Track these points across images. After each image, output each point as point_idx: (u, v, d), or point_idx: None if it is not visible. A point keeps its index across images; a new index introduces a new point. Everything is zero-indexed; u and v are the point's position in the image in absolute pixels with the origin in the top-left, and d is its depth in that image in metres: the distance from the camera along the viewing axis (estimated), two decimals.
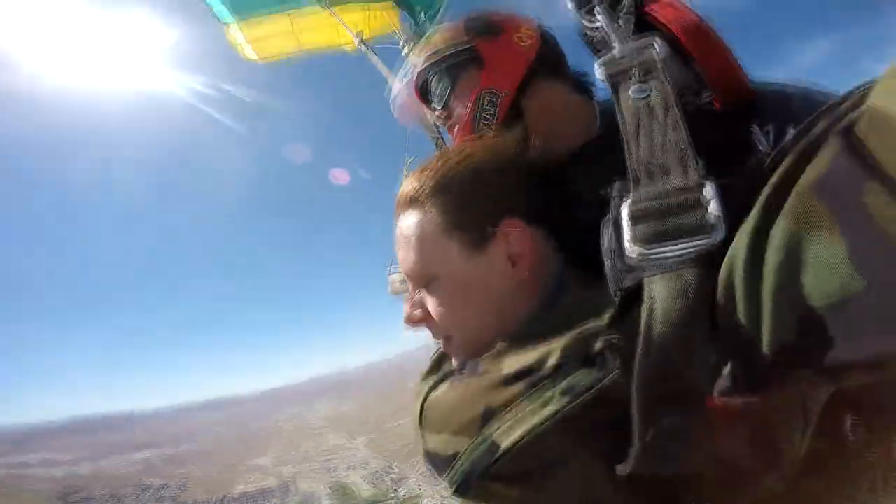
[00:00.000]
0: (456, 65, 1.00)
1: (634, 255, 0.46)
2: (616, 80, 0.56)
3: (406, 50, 2.28)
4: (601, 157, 0.60)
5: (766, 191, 0.39)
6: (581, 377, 0.50)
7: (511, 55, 0.97)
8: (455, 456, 0.57)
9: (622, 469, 0.47)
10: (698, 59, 0.61)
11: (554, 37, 1.05)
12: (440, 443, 0.60)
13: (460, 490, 0.57)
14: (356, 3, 2.71)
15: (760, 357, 0.39)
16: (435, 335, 0.75)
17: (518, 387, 0.54)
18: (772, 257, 0.37)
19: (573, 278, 0.67)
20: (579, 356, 0.52)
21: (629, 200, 0.49)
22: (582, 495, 0.52)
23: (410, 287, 0.75)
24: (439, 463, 0.61)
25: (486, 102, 0.95)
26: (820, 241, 0.34)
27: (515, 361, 0.57)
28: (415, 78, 1.06)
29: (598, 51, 0.63)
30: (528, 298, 0.67)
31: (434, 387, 0.68)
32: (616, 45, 0.58)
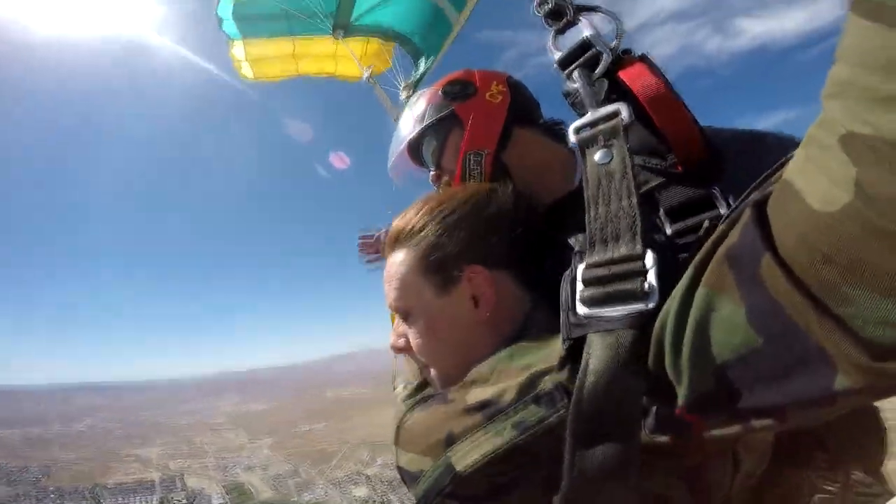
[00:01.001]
0: (440, 129, 1.10)
1: (582, 314, 0.53)
2: (584, 143, 0.60)
3: (403, 95, 2.45)
4: (575, 209, 0.62)
5: (699, 255, 0.44)
6: (531, 413, 0.56)
7: (486, 115, 1.07)
8: (420, 473, 0.63)
9: (555, 501, 0.53)
10: (660, 125, 0.65)
11: (524, 87, 1.15)
12: (409, 461, 0.66)
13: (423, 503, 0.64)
14: (362, 36, 2.84)
15: (683, 400, 0.44)
16: (416, 363, 0.83)
17: (477, 417, 0.60)
18: (692, 315, 0.42)
19: (541, 319, 0.71)
20: (531, 393, 0.57)
21: (583, 264, 0.55)
22: None
23: (396, 318, 0.83)
24: (408, 478, 0.67)
25: (472, 163, 1.04)
26: (727, 304, 0.39)
27: (478, 394, 0.63)
28: (405, 147, 1.18)
29: (576, 107, 0.69)
30: (494, 336, 0.72)
31: (411, 408, 0.72)
32: (588, 109, 0.63)
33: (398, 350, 0.83)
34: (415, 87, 2.73)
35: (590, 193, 0.57)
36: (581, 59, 0.69)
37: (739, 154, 0.72)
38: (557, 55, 0.72)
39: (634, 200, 0.53)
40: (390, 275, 0.81)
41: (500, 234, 0.78)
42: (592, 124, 0.60)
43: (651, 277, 0.49)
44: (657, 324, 0.46)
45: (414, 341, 0.78)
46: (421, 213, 0.81)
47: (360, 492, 66.89)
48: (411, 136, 1.15)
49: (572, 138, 0.62)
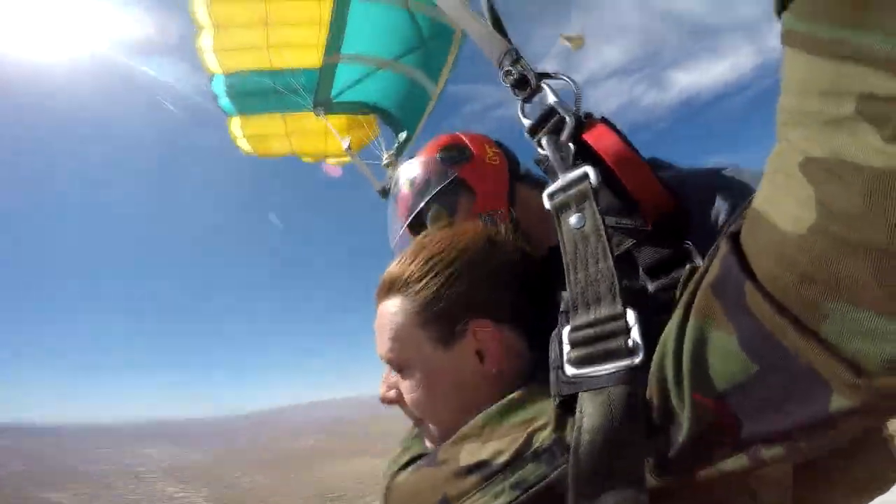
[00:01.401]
0: (448, 196, 1.12)
1: (570, 374, 0.55)
2: (558, 209, 0.61)
3: (385, 161, 2.49)
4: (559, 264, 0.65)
5: (685, 293, 0.46)
6: (530, 471, 0.56)
7: (492, 176, 1.12)
8: None
9: None
10: (627, 185, 0.67)
11: (506, 145, 1.21)
12: None
13: None
14: (343, 113, 2.87)
15: (686, 435, 0.45)
16: (409, 416, 0.80)
17: (472, 479, 0.59)
18: (686, 349, 0.43)
19: (544, 376, 0.67)
20: (528, 451, 0.57)
21: (568, 327, 0.57)
22: None
23: (387, 368, 0.80)
24: None
25: (487, 224, 1.03)
26: (719, 334, 0.40)
27: (471, 454, 0.62)
28: (410, 218, 1.17)
29: (548, 171, 0.69)
30: (497, 392, 0.69)
31: (401, 469, 0.72)
32: (558, 174, 0.63)
33: (389, 402, 0.80)
34: (397, 155, 2.67)
35: (568, 259, 0.58)
36: (547, 126, 0.71)
37: (703, 201, 0.80)
38: (527, 123, 0.74)
39: (610, 263, 0.54)
40: (384, 324, 0.78)
41: (506, 286, 0.75)
42: (563, 189, 0.61)
43: (635, 334, 0.51)
44: (653, 367, 0.47)
45: (409, 395, 0.75)
46: (419, 260, 0.77)
47: None
48: (419, 207, 1.15)
49: (546, 204, 0.62)
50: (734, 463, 0.44)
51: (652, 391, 0.48)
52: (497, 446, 0.60)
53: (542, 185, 1.02)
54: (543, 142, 0.69)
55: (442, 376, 0.73)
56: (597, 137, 0.68)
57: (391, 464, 0.79)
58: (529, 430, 0.59)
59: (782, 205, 0.35)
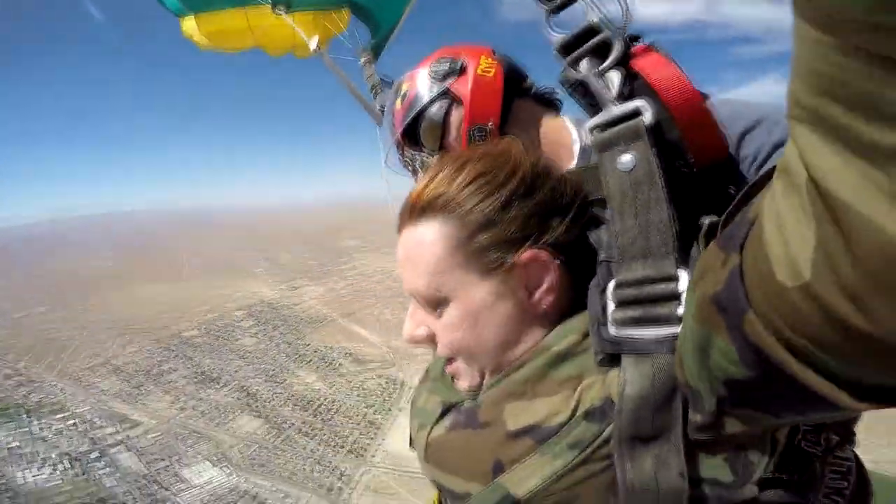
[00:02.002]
0: (437, 110, 1.09)
1: (613, 334, 0.54)
2: (603, 145, 0.56)
3: (363, 60, 2.26)
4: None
5: (692, 281, 0.46)
6: (583, 430, 0.56)
7: (482, 88, 1.07)
8: (467, 495, 0.64)
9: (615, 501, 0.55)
10: (686, 130, 0.58)
11: (511, 58, 1.14)
12: (452, 483, 0.67)
13: None
14: (308, 8, 2.54)
15: (710, 404, 0.46)
16: (438, 354, 0.74)
17: (526, 442, 0.59)
18: (695, 341, 0.44)
19: (581, 318, 0.65)
20: (581, 412, 0.57)
21: (614, 282, 0.55)
22: None
23: (414, 303, 0.73)
24: (450, 495, 0.69)
25: (476, 137, 1.05)
26: (721, 342, 0.40)
27: (518, 416, 0.61)
28: (400, 133, 1.15)
29: (582, 95, 0.63)
30: (541, 331, 0.66)
31: (436, 422, 0.72)
32: (603, 108, 0.57)
33: (417, 341, 0.73)
34: (375, 53, 2.42)
35: (615, 203, 0.54)
36: (586, 47, 0.63)
37: (746, 130, 0.76)
38: (557, 38, 0.64)
39: (665, 215, 0.51)
40: (418, 254, 0.68)
41: (557, 215, 0.67)
42: (611, 123, 0.56)
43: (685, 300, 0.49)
44: (678, 343, 0.49)
45: (447, 334, 0.69)
46: (463, 179, 0.66)
47: (109, 384, 58.34)
48: (405, 123, 1.13)
49: (587, 138, 0.58)
50: (758, 421, 0.46)
51: (677, 358, 0.49)
52: (547, 407, 0.59)
53: (550, 105, 1.12)
54: (583, 65, 0.62)
55: (486, 312, 0.66)
56: (652, 67, 0.59)
57: (420, 412, 0.76)
58: (579, 389, 0.58)
59: (781, 238, 0.32)
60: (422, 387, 0.83)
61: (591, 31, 0.62)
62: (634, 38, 0.64)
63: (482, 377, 0.70)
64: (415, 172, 1.22)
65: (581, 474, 0.57)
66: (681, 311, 0.50)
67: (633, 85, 0.60)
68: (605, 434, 0.55)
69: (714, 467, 0.54)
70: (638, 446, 0.53)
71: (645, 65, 0.59)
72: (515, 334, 0.67)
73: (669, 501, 0.53)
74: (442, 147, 1.12)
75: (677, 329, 0.49)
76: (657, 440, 0.52)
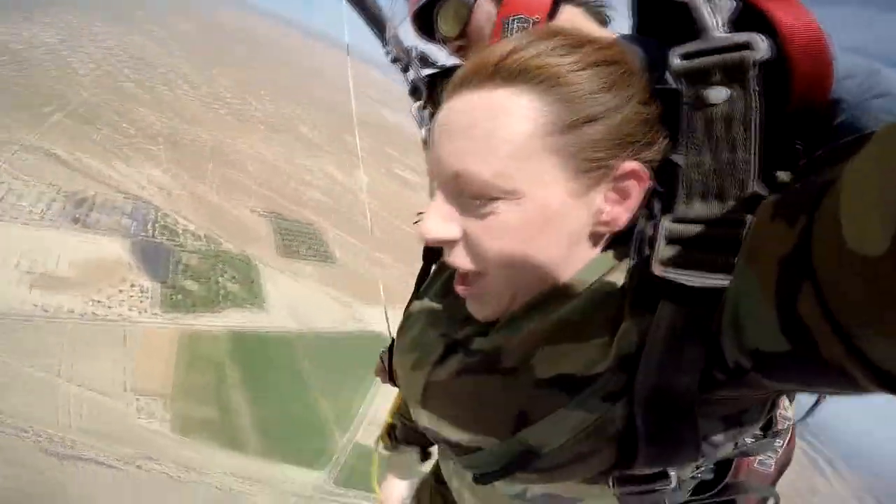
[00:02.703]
0: None
1: (659, 273, 0.47)
2: (692, 74, 0.48)
3: None
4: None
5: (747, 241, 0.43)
6: (618, 381, 0.51)
7: None
8: (477, 448, 0.59)
9: (630, 469, 0.53)
10: (801, 79, 0.48)
11: None
12: (460, 434, 0.60)
13: (482, 480, 0.60)
14: None
15: (733, 364, 0.44)
16: (462, 265, 0.58)
17: (557, 394, 0.53)
18: (740, 301, 0.42)
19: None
20: (616, 362, 0.51)
21: (672, 215, 0.49)
22: (591, 473, 0.57)
23: (442, 192, 0.57)
24: (453, 447, 0.63)
25: (514, 28, 0.87)
26: (766, 306, 0.38)
27: (550, 363, 0.54)
28: (416, 11, 0.98)
29: (665, 17, 0.54)
30: (590, 253, 0.57)
31: (440, 361, 0.62)
32: (700, 34, 0.48)
33: (441, 242, 0.58)
34: None
35: (696, 136, 0.48)
36: None
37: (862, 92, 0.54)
38: None
39: (753, 157, 0.45)
40: (491, 126, 0.52)
41: (664, 132, 0.55)
42: (710, 52, 0.47)
43: None
44: (726, 298, 0.44)
45: (493, 239, 0.54)
46: (575, 59, 0.52)
47: None
48: None
49: (675, 62, 0.49)
50: (765, 386, 0.45)
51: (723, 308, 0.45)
52: (584, 355, 0.53)
53: (597, 18, 0.92)
54: None
55: (558, 220, 0.54)
56: (784, 7, 0.48)
57: (413, 345, 0.66)
58: (617, 336, 0.52)
59: (858, 207, 0.30)
60: (413, 312, 0.72)
61: None
62: None
63: (510, 304, 0.59)
64: (405, 70, 1.09)
65: (606, 428, 0.53)
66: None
67: (746, 19, 0.51)
68: (628, 385, 0.52)
69: (712, 427, 0.53)
70: (660, 396, 0.50)
71: (771, 2, 0.49)
72: (574, 253, 0.57)
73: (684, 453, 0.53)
74: (461, 36, 0.95)
75: (727, 281, 0.44)
76: (674, 399, 0.49)
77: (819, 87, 0.51)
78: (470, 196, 0.55)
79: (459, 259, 0.58)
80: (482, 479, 0.62)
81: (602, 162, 0.53)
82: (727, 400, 0.51)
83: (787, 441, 0.72)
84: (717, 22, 0.48)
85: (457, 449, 0.63)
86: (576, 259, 0.57)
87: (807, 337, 0.35)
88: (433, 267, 0.84)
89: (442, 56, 1.11)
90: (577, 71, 0.52)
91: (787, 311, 0.36)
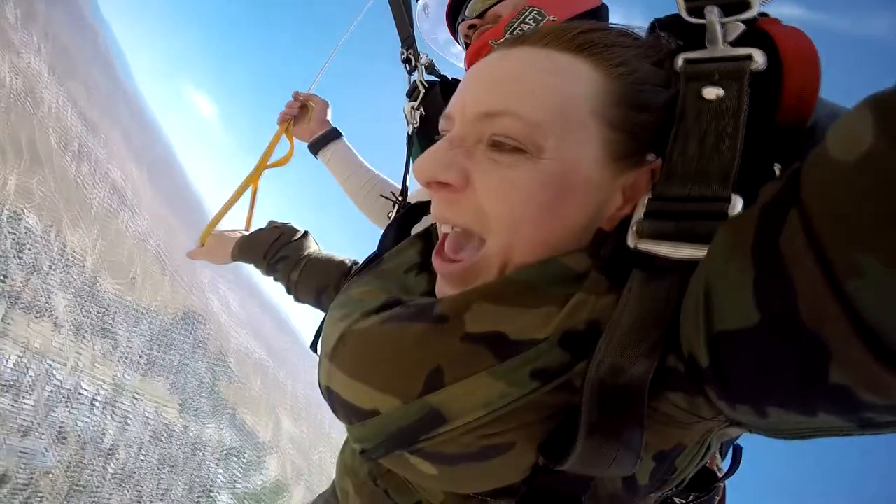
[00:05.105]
0: None
1: (633, 245, 0.45)
2: (692, 75, 0.49)
3: None
4: None
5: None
6: (555, 357, 0.44)
7: None
8: (373, 413, 0.49)
9: (559, 465, 0.45)
10: (790, 94, 0.52)
11: None
12: (357, 393, 0.50)
13: (370, 454, 0.51)
14: None
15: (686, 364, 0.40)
16: (448, 221, 0.54)
17: (481, 353, 0.46)
18: (702, 266, 0.39)
19: None
20: (560, 333, 0.45)
21: (652, 192, 0.47)
22: (503, 480, 0.47)
23: (449, 141, 0.53)
24: (347, 411, 0.52)
25: (528, 18, 0.88)
26: (736, 257, 0.35)
27: (485, 319, 0.47)
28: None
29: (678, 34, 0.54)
30: (583, 242, 0.52)
31: (372, 312, 0.54)
32: (714, 45, 0.50)
33: (441, 185, 0.51)
34: None
35: (685, 125, 0.47)
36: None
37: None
38: None
39: (738, 148, 0.45)
40: (543, 79, 0.50)
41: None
42: (713, 60, 0.49)
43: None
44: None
45: (501, 192, 0.49)
46: (627, 38, 0.54)
47: None
48: None
49: (680, 63, 0.50)
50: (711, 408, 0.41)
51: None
52: (523, 318, 0.46)
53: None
54: (708, 9, 0.50)
55: (572, 196, 0.50)
56: (784, 31, 0.53)
57: (348, 303, 0.57)
58: (566, 308, 0.46)
59: (841, 124, 0.29)
60: (359, 280, 0.62)
61: None
62: (762, 14, 0.63)
63: (499, 270, 0.55)
64: (410, 72, 1.17)
65: (528, 415, 0.45)
66: None
67: (750, 39, 0.56)
68: (576, 368, 0.44)
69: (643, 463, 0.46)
70: (613, 378, 0.43)
71: (775, 28, 0.54)
72: (576, 237, 0.52)
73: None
74: (480, 16, 1.02)
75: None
76: (629, 393, 0.42)
77: (806, 102, 0.53)
78: (492, 142, 0.50)
79: (453, 212, 0.52)
80: (372, 451, 0.51)
81: (641, 151, 0.51)
82: (669, 422, 0.45)
83: None
84: (724, 37, 0.51)
85: (352, 414, 0.51)
86: (575, 244, 0.51)
87: (784, 294, 0.32)
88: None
89: (445, 69, 1.22)
90: (641, 60, 0.52)
91: (765, 255, 0.33)
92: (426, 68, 1.17)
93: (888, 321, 0.27)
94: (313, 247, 1.12)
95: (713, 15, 0.51)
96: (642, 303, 0.43)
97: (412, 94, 1.16)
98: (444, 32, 1.22)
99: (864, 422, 0.33)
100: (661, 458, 0.47)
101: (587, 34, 0.52)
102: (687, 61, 0.50)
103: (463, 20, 1.06)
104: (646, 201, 0.47)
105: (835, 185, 0.28)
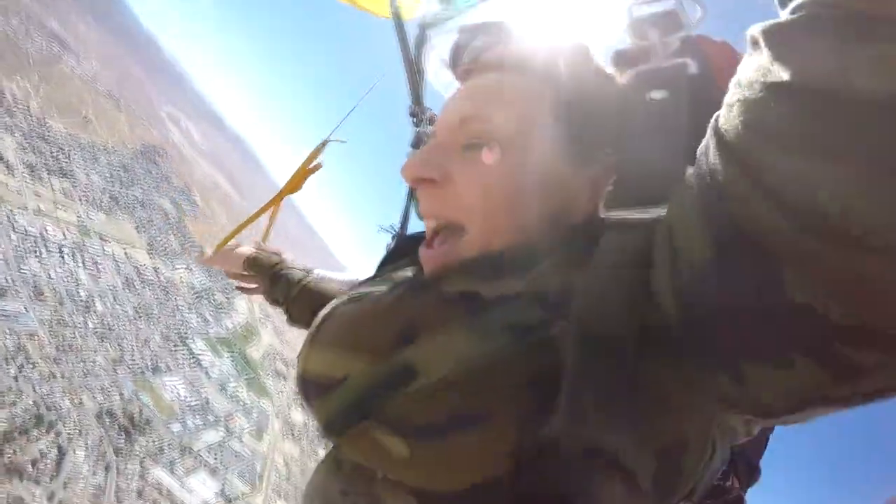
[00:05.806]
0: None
1: (602, 213, 0.48)
2: (639, 83, 0.55)
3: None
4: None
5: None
6: (530, 312, 0.45)
7: None
8: (343, 380, 0.48)
9: (546, 432, 0.41)
10: (720, 86, 0.52)
11: None
12: (329, 362, 0.50)
13: (334, 427, 0.49)
14: None
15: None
16: (433, 214, 0.59)
17: (455, 308, 0.47)
18: (670, 223, 0.42)
19: None
20: (534, 291, 0.47)
21: (615, 181, 0.51)
22: (481, 469, 0.43)
23: (437, 142, 0.61)
24: (318, 386, 0.51)
25: None
26: (689, 187, 0.41)
27: (459, 282, 0.50)
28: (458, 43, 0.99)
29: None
30: (554, 236, 0.55)
31: (356, 299, 0.56)
32: (656, 59, 0.56)
33: (424, 182, 0.58)
34: None
35: (636, 124, 0.53)
36: (660, 23, 0.59)
37: None
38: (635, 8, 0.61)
39: (684, 139, 0.49)
40: (508, 84, 0.59)
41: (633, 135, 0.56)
42: (656, 71, 0.55)
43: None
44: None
45: (475, 182, 0.55)
46: (585, 52, 0.61)
47: None
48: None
49: (628, 75, 0.57)
50: (704, 375, 0.40)
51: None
52: (499, 283, 0.49)
53: None
54: (651, 33, 0.57)
55: (542, 184, 0.55)
56: (717, 47, 0.61)
57: (339, 300, 0.61)
58: (543, 271, 0.49)
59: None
60: (354, 289, 0.66)
61: (670, 14, 0.60)
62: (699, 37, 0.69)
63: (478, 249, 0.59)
64: (417, 124, 1.21)
65: (501, 380, 0.44)
66: None
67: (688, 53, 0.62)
68: (557, 327, 0.44)
69: (645, 464, 0.45)
70: (599, 339, 0.42)
71: (708, 44, 0.63)
72: (550, 224, 0.56)
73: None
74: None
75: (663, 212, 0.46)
76: (613, 344, 0.42)
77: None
78: (467, 143, 0.58)
79: (436, 204, 0.59)
80: (339, 421, 0.49)
81: (597, 148, 0.57)
82: (664, 405, 0.43)
83: None
84: (663, 53, 0.57)
85: (322, 387, 0.51)
86: (547, 234, 0.56)
87: (723, 209, 0.36)
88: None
89: None
90: (596, 73, 0.60)
91: (710, 182, 0.38)
92: (430, 121, 1.26)
93: (794, 194, 0.31)
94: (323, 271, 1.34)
95: (654, 36, 0.59)
96: (616, 252, 0.45)
97: (417, 145, 1.26)
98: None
99: (843, 368, 0.33)
100: (664, 457, 0.44)
101: (523, 59, 0.59)
102: (637, 73, 0.56)
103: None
104: (611, 187, 0.51)
105: (732, 103, 0.37)
